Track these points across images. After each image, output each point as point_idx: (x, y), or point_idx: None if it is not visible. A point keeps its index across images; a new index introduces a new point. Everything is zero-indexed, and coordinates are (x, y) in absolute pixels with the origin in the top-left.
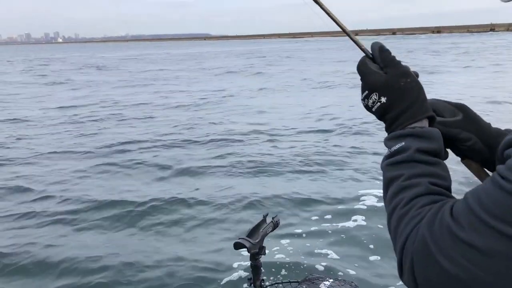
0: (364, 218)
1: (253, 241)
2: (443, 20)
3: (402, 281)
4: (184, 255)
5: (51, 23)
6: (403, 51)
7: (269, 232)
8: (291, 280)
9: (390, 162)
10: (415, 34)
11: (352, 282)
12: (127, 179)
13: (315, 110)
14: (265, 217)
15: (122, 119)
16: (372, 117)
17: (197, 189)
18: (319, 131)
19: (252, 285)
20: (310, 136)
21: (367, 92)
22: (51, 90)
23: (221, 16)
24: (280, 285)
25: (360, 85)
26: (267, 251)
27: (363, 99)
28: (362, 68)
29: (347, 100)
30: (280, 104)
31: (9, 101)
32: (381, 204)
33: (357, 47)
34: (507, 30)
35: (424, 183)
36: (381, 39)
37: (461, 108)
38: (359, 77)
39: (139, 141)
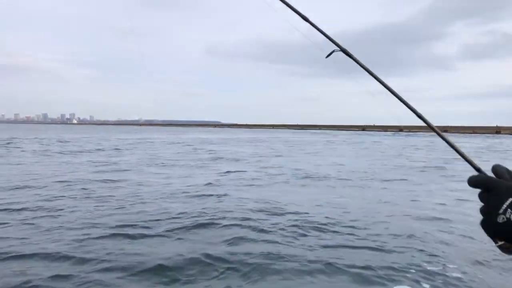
0: None
1: None
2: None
3: None
4: None
5: (67, 104)
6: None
7: None
8: None
9: None
10: (420, 131)
11: None
12: None
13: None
14: None
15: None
16: None
17: None
18: None
19: None
20: None
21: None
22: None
23: (231, 105)
24: None
25: (489, 200)
26: None
27: (503, 212)
28: (488, 180)
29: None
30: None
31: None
32: None
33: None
34: None
35: None
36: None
37: None
38: (481, 191)
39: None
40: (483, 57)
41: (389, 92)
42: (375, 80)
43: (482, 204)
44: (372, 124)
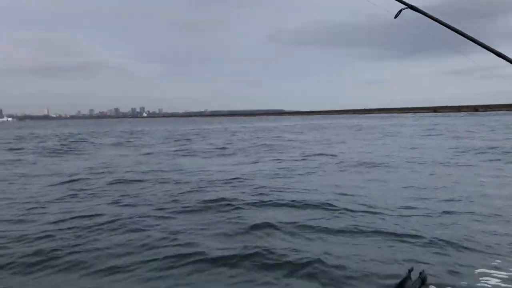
0: None
1: None
2: None
3: None
4: None
5: (137, 98)
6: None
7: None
8: None
9: None
10: (500, 110)
11: None
12: None
13: None
14: (410, 272)
15: None
16: None
17: None
18: None
19: None
20: None
21: None
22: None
23: (294, 93)
24: None
25: None
26: None
27: None
28: None
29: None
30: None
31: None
32: None
33: None
34: None
35: None
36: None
37: None
38: None
39: None
40: None
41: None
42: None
43: None
44: (444, 105)
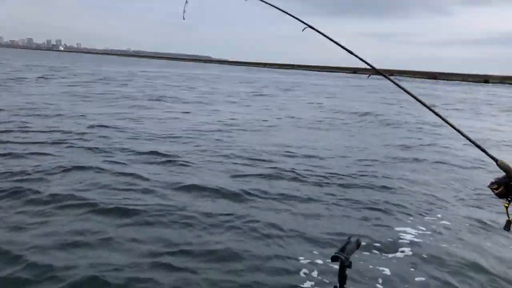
0: None
1: (347, 256)
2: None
3: None
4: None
5: (52, 30)
6: None
7: (355, 250)
8: None
9: None
10: (412, 77)
11: None
12: None
13: None
14: (350, 237)
15: None
16: None
17: None
18: None
19: None
20: None
21: None
22: None
23: (221, 40)
24: None
25: None
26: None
27: None
28: None
29: None
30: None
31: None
32: None
33: None
34: (501, 82)
35: None
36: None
37: None
38: None
39: None
40: (479, 3)
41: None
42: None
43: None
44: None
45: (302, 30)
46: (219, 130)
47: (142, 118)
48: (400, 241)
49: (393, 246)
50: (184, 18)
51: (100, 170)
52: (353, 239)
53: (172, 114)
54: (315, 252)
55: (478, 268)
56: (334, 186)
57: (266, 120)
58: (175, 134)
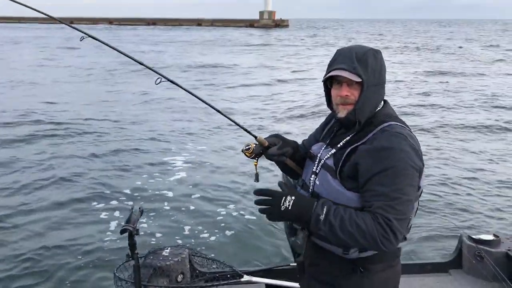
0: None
1: (133, 226)
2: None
3: (376, 247)
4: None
5: None
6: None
7: (139, 218)
8: (145, 254)
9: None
10: (133, 25)
11: (187, 246)
12: None
13: None
14: (133, 207)
15: None
16: None
17: None
18: None
19: (131, 258)
20: None
21: None
22: None
23: None
24: (144, 257)
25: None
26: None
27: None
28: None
29: None
30: None
31: None
32: None
33: None
34: (211, 25)
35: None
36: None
37: (277, 136)
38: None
39: None
40: None
41: None
42: None
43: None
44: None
45: None
46: None
47: None
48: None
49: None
50: None
51: None
52: (135, 209)
53: None
54: None
55: None
56: None
57: None
58: None
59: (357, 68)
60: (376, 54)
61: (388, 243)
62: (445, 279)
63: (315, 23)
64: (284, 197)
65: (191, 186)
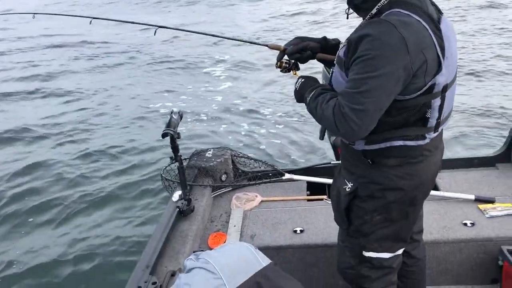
0: None
1: (174, 129)
2: None
3: (339, 134)
4: None
5: None
6: None
7: (179, 122)
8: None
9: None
10: None
11: (229, 147)
12: None
13: None
14: (172, 112)
15: None
16: None
17: None
18: None
19: (175, 160)
20: None
21: None
22: None
23: None
24: (188, 159)
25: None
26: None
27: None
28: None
29: None
30: None
31: None
32: None
33: None
34: None
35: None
36: None
37: (296, 37)
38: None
39: None
40: None
41: None
42: None
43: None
44: None
45: None
46: None
47: None
48: None
49: None
50: None
51: None
52: (174, 113)
53: None
54: None
55: None
56: None
57: None
58: None
59: None
60: None
61: (344, 131)
62: (491, 173)
63: None
64: (297, 79)
65: (232, 94)
